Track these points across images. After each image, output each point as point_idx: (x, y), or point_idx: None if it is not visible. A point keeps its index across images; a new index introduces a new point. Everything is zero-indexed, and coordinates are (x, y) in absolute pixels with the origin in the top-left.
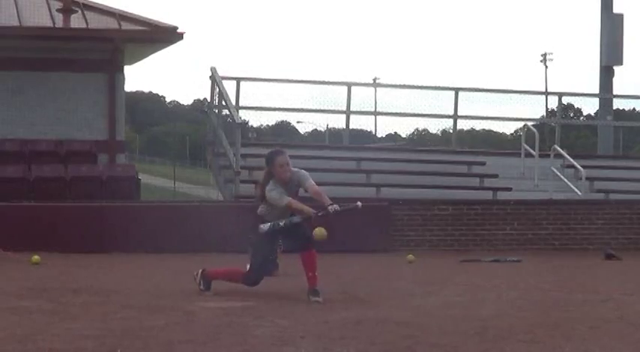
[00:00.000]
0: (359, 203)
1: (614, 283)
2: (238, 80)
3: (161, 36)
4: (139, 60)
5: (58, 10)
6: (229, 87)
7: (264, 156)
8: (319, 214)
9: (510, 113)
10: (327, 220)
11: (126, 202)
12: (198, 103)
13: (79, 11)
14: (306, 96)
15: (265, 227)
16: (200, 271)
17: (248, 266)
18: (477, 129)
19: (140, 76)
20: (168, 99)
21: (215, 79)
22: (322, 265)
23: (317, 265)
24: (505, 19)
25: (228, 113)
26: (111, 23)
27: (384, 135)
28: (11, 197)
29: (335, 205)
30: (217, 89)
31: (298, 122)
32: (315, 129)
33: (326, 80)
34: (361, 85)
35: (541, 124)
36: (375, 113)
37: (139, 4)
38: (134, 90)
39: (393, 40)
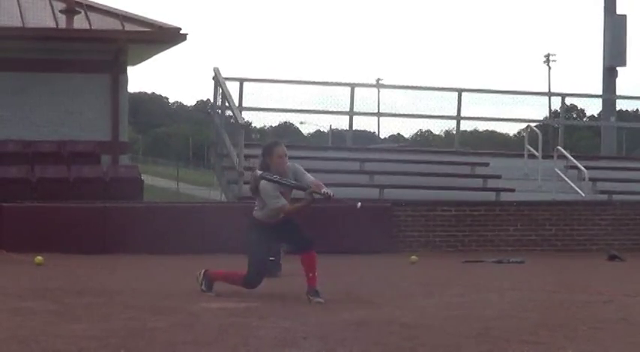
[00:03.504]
0: (359, 203)
1: (617, 284)
2: (241, 81)
3: (164, 37)
4: (142, 61)
5: (61, 11)
6: (232, 88)
7: (262, 147)
8: (316, 196)
9: (513, 114)
10: (324, 203)
11: (129, 203)
12: (202, 104)
13: (82, 12)
14: (309, 97)
15: (261, 173)
16: (202, 271)
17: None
18: (480, 130)
19: (143, 77)
20: (171, 100)
21: (218, 80)
22: (325, 266)
23: (317, 266)
24: (508, 20)
25: (231, 114)
26: (114, 24)
27: (387, 136)
28: (14, 198)
29: (332, 192)
30: (220, 90)
31: (301, 123)
32: (318, 130)
33: (329, 81)
34: (364, 86)
35: (544, 125)
36: (378, 114)
37: (143, 5)
38: (137, 91)
39: (396, 41)
